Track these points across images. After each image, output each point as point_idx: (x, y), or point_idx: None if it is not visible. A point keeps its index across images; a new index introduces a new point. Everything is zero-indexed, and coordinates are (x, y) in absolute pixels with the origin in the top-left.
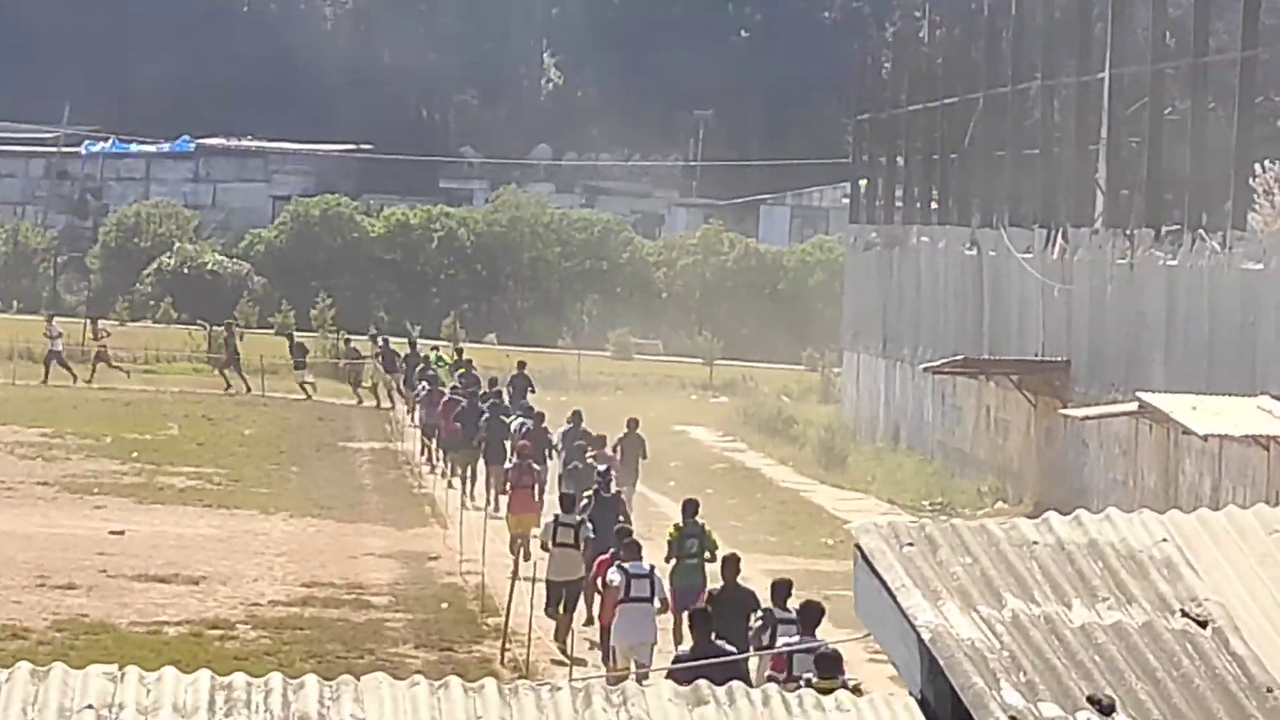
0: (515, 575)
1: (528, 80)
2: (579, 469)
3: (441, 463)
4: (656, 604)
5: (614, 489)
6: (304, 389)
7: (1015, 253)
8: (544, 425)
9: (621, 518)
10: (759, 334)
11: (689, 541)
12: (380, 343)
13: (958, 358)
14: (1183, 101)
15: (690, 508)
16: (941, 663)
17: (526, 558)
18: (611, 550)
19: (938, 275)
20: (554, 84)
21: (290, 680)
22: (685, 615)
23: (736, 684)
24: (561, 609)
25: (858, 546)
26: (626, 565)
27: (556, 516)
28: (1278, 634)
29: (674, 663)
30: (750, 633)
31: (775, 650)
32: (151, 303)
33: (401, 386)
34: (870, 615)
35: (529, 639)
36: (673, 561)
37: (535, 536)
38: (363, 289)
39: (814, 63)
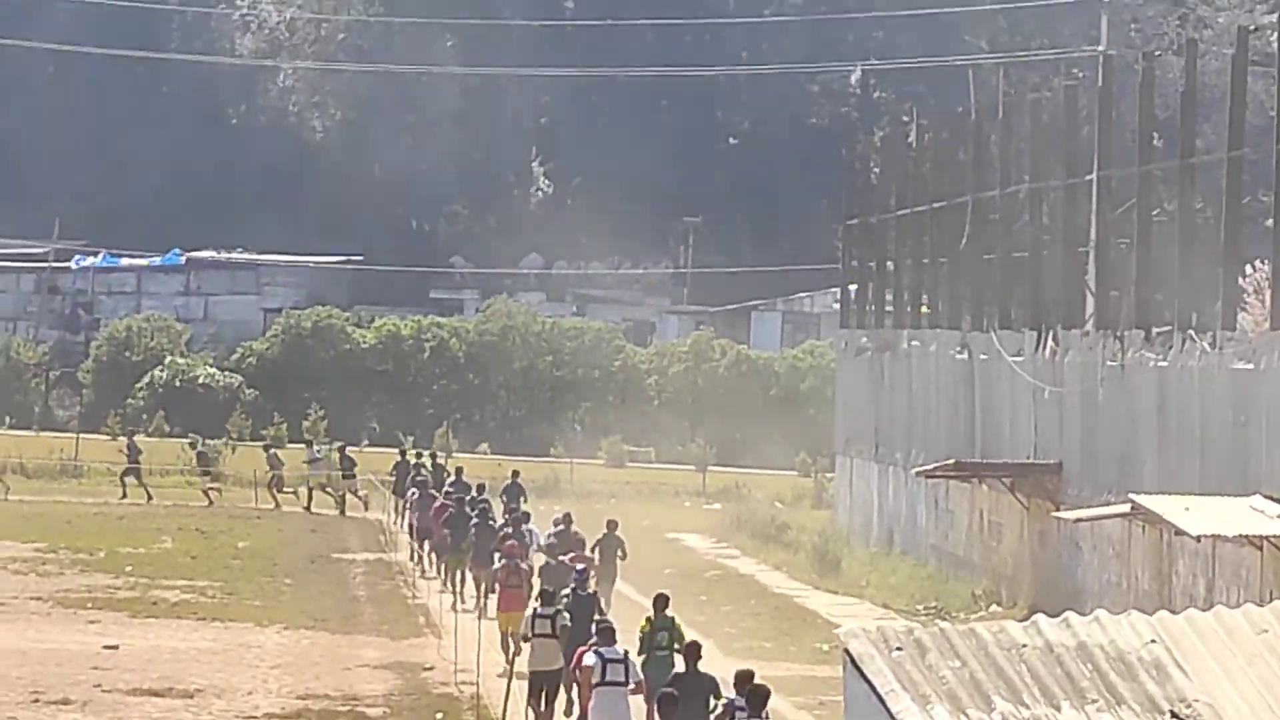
0: (510, 671)
1: (517, 189)
2: (552, 566)
3: (433, 567)
4: (631, 686)
5: (591, 588)
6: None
7: (1006, 355)
8: (528, 526)
9: (597, 615)
10: (752, 440)
11: (660, 634)
12: (340, 450)
13: (950, 461)
14: (1171, 202)
15: (661, 602)
16: None
17: (517, 653)
18: (591, 641)
19: (929, 379)
20: (543, 193)
21: None
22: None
23: None
24: (543, 702)
25: (846, 651)
26: (602, 650)
27: (535, 609)
28: None
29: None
30: (712, 716)
31: None
32: (144, 416)
33: (392, 493)
34: None
35: None
36: (644, 654)
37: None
38: (355, 400)
39: (803, 168)
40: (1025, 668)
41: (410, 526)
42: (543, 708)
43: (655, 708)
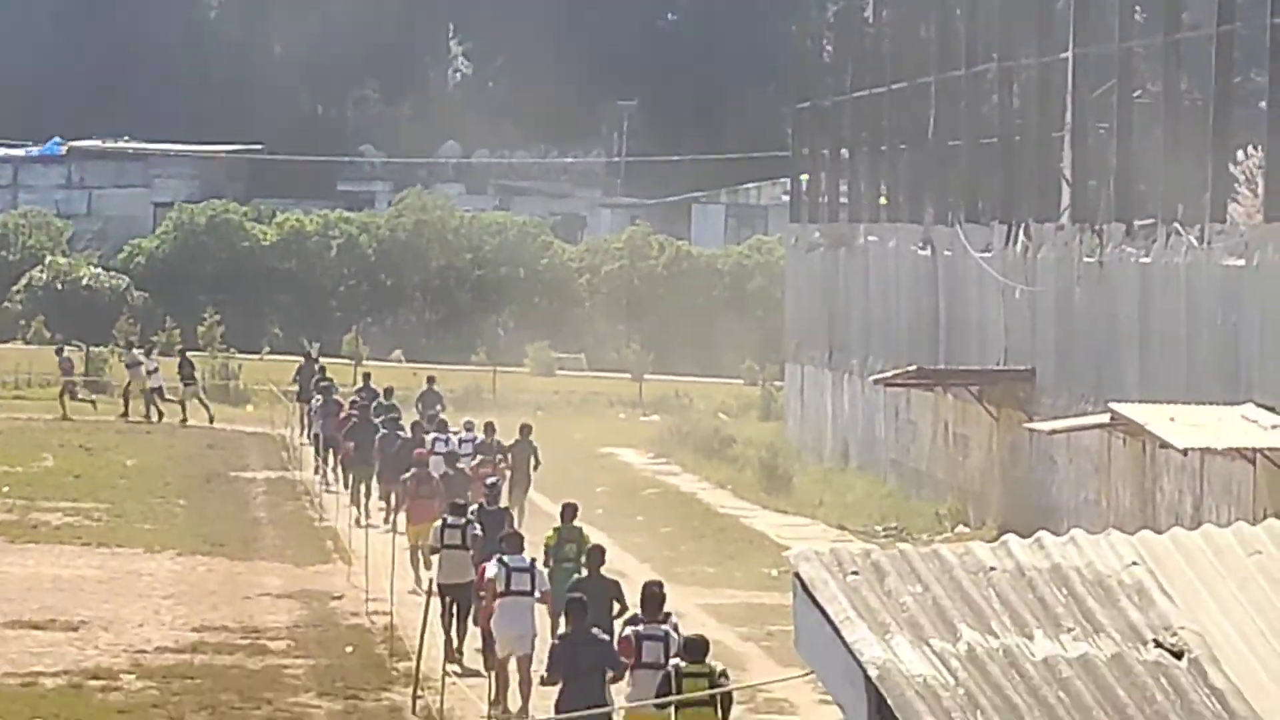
0: (425, 592)
1: (434, 71)
2: (451, 475)
3: (339, 482)
4: (537, 595)
5: (502, 502)
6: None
7: (973, 252)
8: (443, 435)
9: (508, 528)
10: (693, 345)
11: (567, 545)
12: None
13: (911, 368)
14: (1154, 83)
15: (568, 511)
16: (890, 702)
17: (427, 567)
18: (492, 550)
19: (888, 278)
20: (462, 74)
21: None
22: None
23: None
24: (455, 617)
25: (796, 575)
26: (506, 559)
27: (444, 519)
28: (1260, 665)
29: (552, 648)
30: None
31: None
32: (21, 322)
33: (297, 400)
34: (812, 651)
35: (442, 685)
36: (550, 565)
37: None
38: (255, 303)
39: (749, 47)
40: (994, 593)
41: (315, 437)
42: (455, 623)
43: (564, 610)
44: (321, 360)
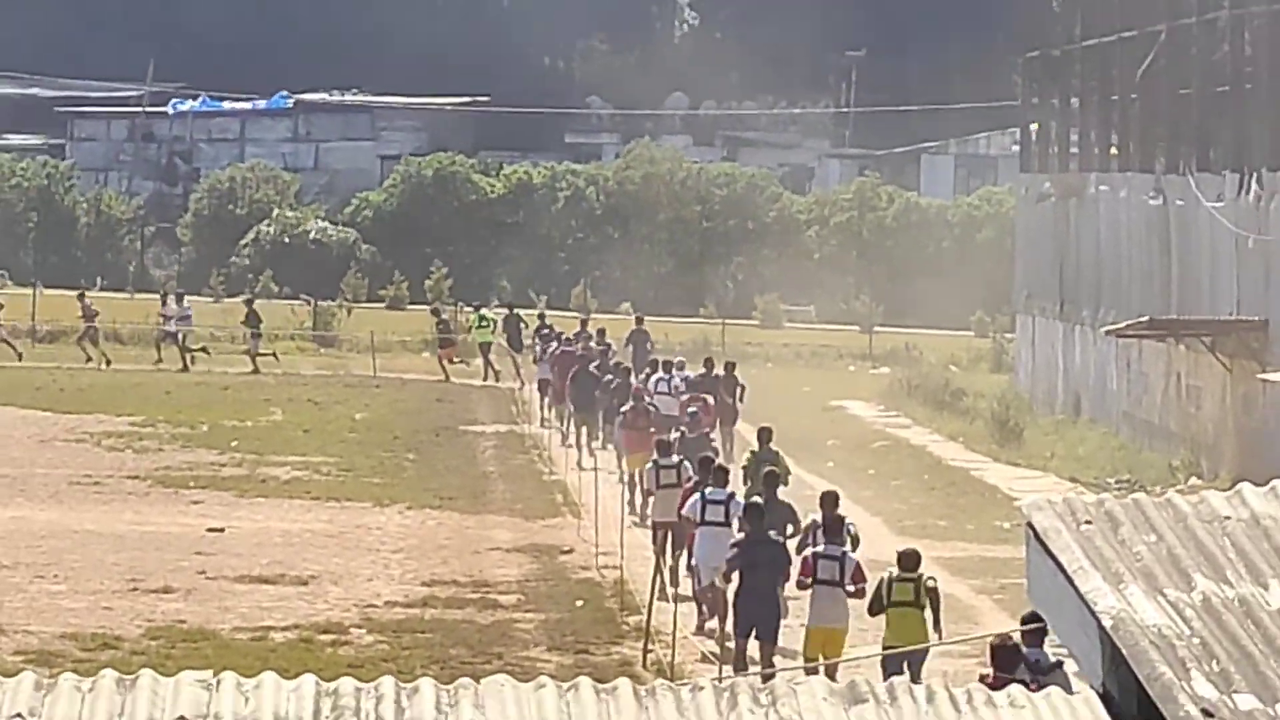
0: (635, 513)
1: (660, 22)
2: (650, 410)
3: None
4: (734, 525)
5: (704, 428)
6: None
7: (1205, 201)
8: (660, 374)
9: (709, 453)
10: (922, 297)
11: (764, 466)
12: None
13: (1143, 319)
14: None
15: (765, 435)
16: (1125, 652)
17: (645, 496)
18: (696, 480)
19: (1119, 228)
20: (689, 25)
21: (403, 685)
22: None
23: (899, 681)
24: (668, 550)
25: (1030, 526)
26: (706, 491)
27: (655, 461)
28: None
29: (730, 550)
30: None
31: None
32: (250, 276)
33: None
34: (1046, 602)
35: (674, 638)
36: (748, 485)
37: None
38: (482, 256)
39: None
40: (1229, 542)
41: (540, 383)
42: (668, 556)
43: (741, 514)
44: (545, 312)
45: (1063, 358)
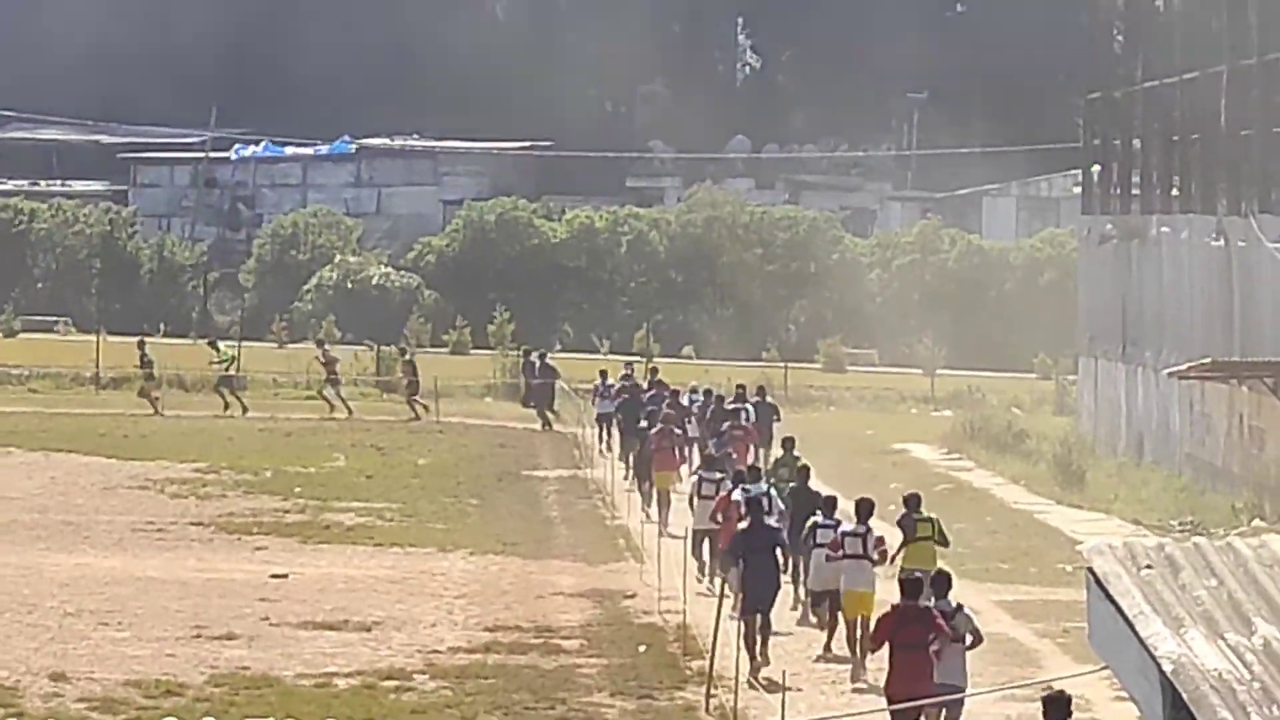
0: (657, 527)
1: (722, 65)
2: (675, 432)
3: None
4: (775, 517)
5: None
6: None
7: (1267, 242)
8: (679, 399)
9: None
10: (985, 340)
11: (781, 469)
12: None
13: (1206, 361)
14: None
15: (788, 443)
16: (1185, 697)
17: (666, 506)
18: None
19: (1182, 269)
20: (751, 68)
21: None
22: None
23: None
24: (706, 556)
25: (1090, 570)
26: (748, 487)
27: (700, 474)
28: None
29: (733, 537)
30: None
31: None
32: (312, 321)
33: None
34: (1106, 646)
35: (736, 684)
36: (771, 482)
37: (675, 490)
38: (545, 300)
39: (1039, 37)
40: None
41: (597, 418)
42: (706, 560)
43: (744, 506)
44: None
45: (1125, 400)
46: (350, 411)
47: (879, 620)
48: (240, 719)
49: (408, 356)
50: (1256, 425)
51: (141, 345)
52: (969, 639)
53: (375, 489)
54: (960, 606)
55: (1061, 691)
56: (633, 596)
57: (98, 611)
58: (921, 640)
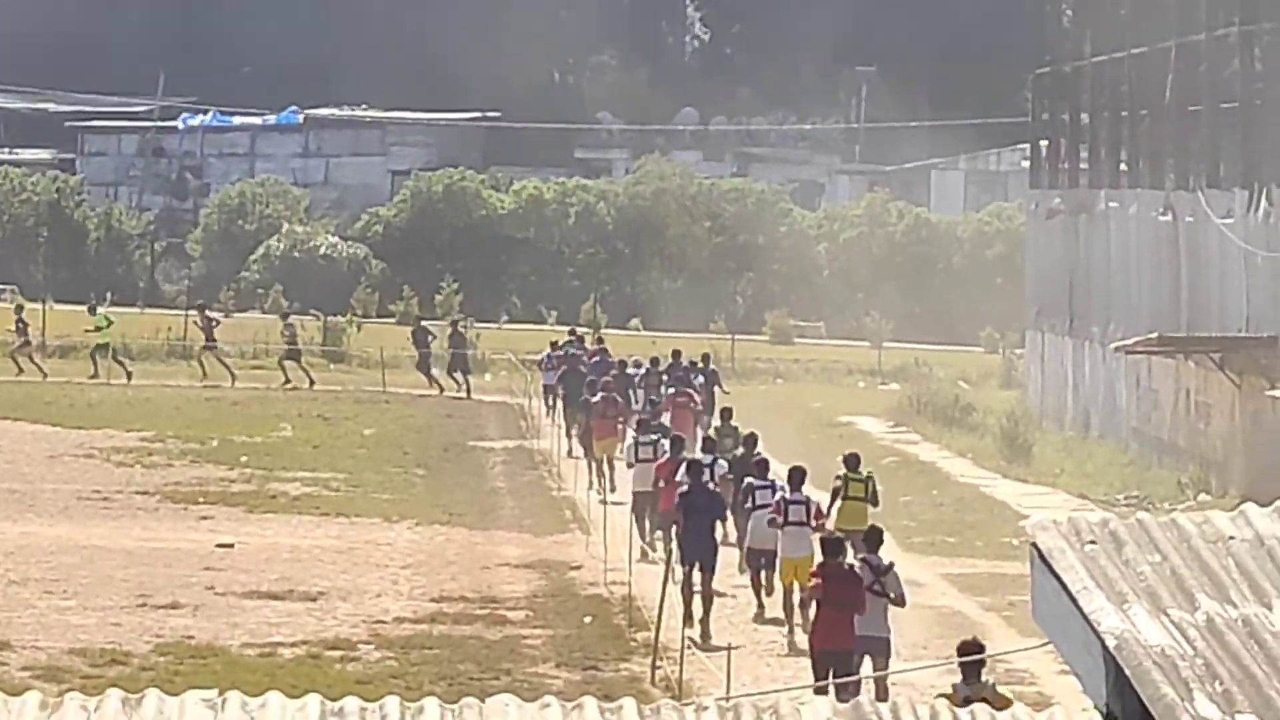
0: (600, 493)
1: (671, 37)
2: (618, 400)
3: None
4: (714, 482)
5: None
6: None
7: (1214, 217)
8: (626, 370)
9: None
10: (932, 313)
11: (725, 440)
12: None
13: (1153, 335)
14: None
15: (726, 413)
16: (1128, 672)
17: (609, 472)
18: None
19: (1129, 244)
20: (699, 40)
21: (408, 703)
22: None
23: (903, 701)
24: (647, 517)
25: (1034, 545)
26: (700, 457)
27: (635, 438)
28: None
29: (677, 499)
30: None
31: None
32: (259, 291)
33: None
34: (1050, 621)
35: (681, 655)
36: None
37: (619, 458)
38: (492, 271)
39: (988, 11)
40: (1233, 562)
41: (543, 389)
42: (649, 521)
43: (684, 469)
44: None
45: (1072, 374)
46: (313, 381)
47: (811, 579)
48: (185, 688)
49: (288, 320)
50: (1203, 400)
51: (19, 310)
52: (893, 596)
53: (321, 459)
54: (891, 564)
55: (974, 640)
56: (578, 568)
57: (43, 580)
58: (846, 598)
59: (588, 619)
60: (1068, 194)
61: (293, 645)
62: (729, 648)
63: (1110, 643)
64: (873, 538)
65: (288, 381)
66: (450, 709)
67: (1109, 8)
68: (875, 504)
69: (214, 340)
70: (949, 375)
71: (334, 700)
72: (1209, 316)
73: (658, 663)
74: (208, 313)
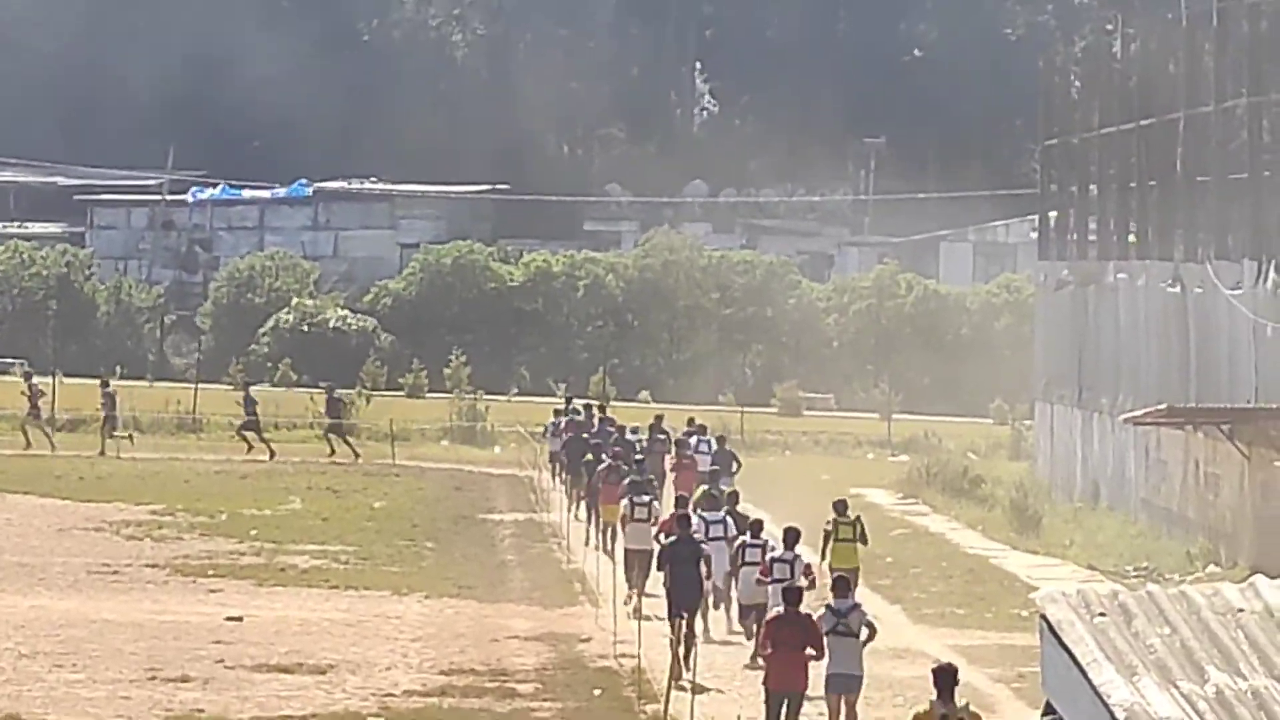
0: (607, 551)
1: (680, 110)
2: (622, 469)
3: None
4: (728, 538)
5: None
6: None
7: (1223, 289)
8: (626, 436)
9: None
10: (941, 385)
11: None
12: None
13: (1162, 407)
14: None
15: (714, 476)
16: None
17: (614, 539)
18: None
19: (1138, 316)
20: (708, 113)
21: None
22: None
23: None
24: (638, 575)
25: (1043, 617)
26: (704, 514)
27: (632, 498)
28: None
29: (661, 549)
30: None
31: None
32: (269, 365)
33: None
34: (1059, 692)
35: None
36: (698, 513)
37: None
38: (502, 344)
39: (996, 84)
40: (1243, 634)
41: (550, 455)
42: (638, 578)
43: (671, 518)
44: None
45: (1081, 445)
46: (273, 453)
47: (764, 625)
48: None
49: (109, 389)
50: (1212, 471)
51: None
52: (864, 633)
53: (330, 531)
54: (858, 604)
55: (949, 664)
56: (588, 640)
57: (52, 653)
58: (798, 641)
59: (597, 691)
60: (1076, 265)
61: (302, 718)
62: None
63: (1120, 715)
64: (840, 585)
65: (250, 448)
66: None
67: (1117, 79)
68: (865, 543)
69: (38, 409)
70: (958, 446)
71: None
72: (1218, 387)
73: None
74: (32, 382)
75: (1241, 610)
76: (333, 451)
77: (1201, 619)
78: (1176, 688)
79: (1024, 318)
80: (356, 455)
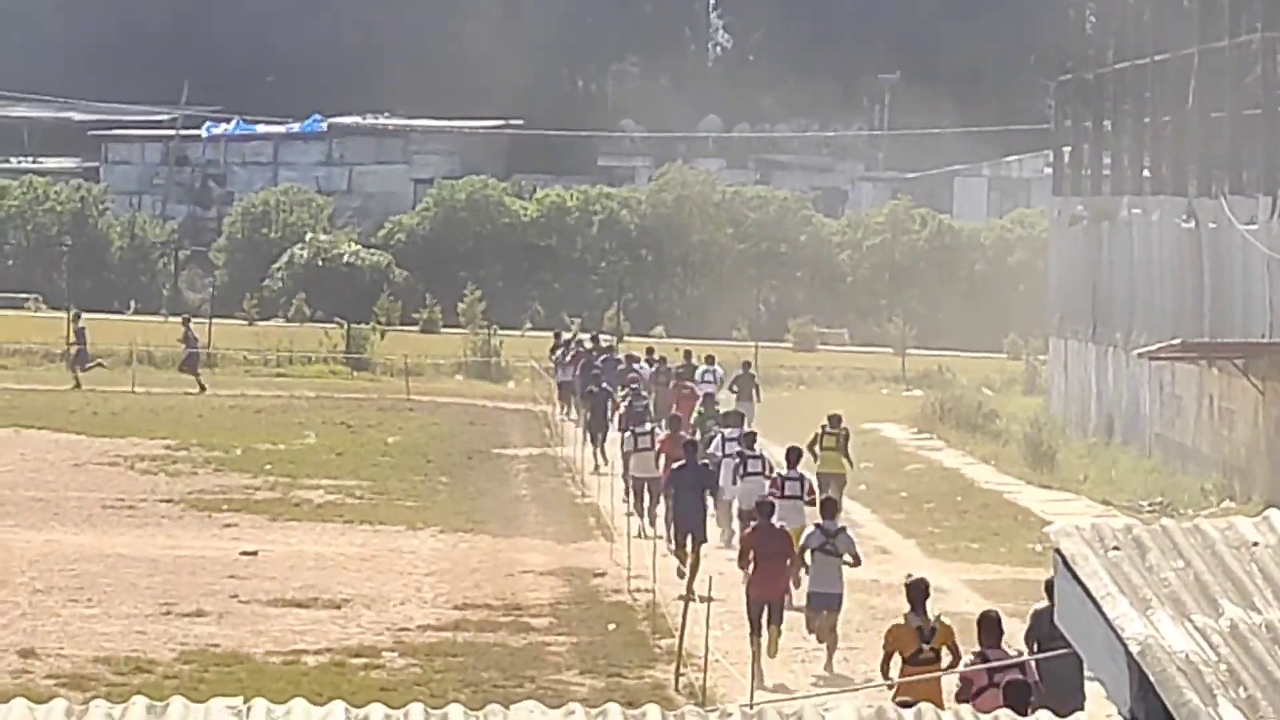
0: (626, 499)
1: (694, 45)
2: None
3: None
4: (766, 472)
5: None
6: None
7: (1237, 224)
8: (634, 366)
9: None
10: (955, 320)
11: (708, 423)
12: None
13: (1176, 342)
14: None
15: (709, 399)
16: (1152, 678)
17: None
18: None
19: (1152, 251)
20: (723, 48)
21: (432, 710)
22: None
23: (926, 707)
24: (647, 501)
25: (1058, 552)
26: (725, 432)
27: (633, 429)
28: None
29: (669, 473)
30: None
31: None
32: (283, 299)
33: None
34: (1074, 627)
35: (705, 662)
36: (700, 434)
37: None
38: (515, 279)
39: (1010, 19)
40: (1257, 568)
41: (559, 385)
42: (647, 506)
43: (681, 449)
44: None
45: (1095, 380)
46: (203, 387)
47: (742, 539)
48: (209, 696)
49: (80, 325)
50: (1226, 406)
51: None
52: (848, 557)
53: (345, 466)
54: (844, 528)
55: (922, 578)
56: (602, 575)
57: (67, 588)
58: (776, 551)
59: (612, 626)
60: (1090, 201)
61: (317, 653)
62: (757, 667)
63: (1134, 649)
64: (828, 507)
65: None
66: (474, 716)
67: (1132, 15)
68: (846, 454)
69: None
70: (972, 382)
71: (358, 708)
72: (1232, 322)
73: (682, 669)
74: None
75: (1256, 544)
76: (202, 389)
77: (1216, 553)
78: (1190, 621)
79: (1038, 253)
80: (202, 388)
